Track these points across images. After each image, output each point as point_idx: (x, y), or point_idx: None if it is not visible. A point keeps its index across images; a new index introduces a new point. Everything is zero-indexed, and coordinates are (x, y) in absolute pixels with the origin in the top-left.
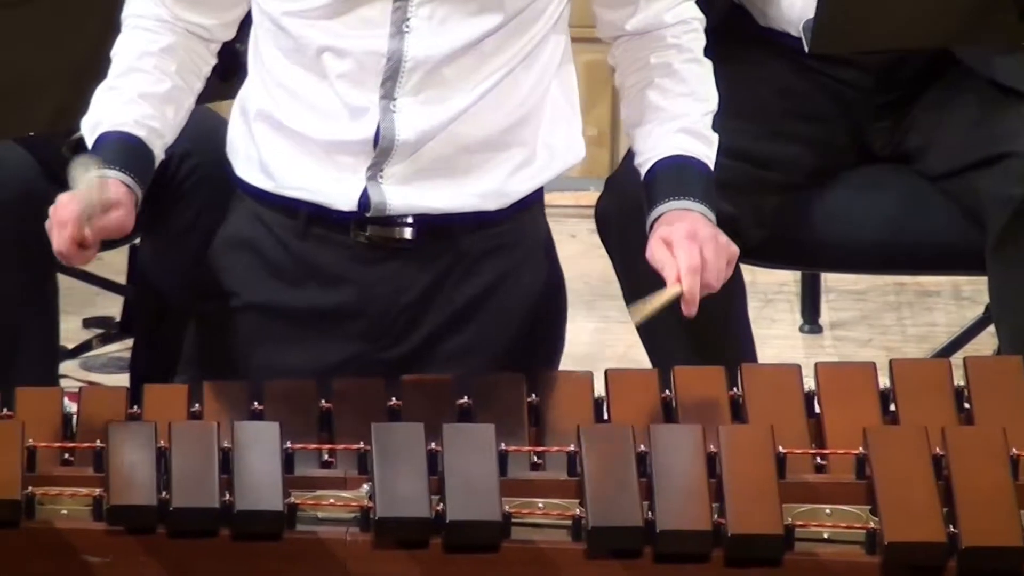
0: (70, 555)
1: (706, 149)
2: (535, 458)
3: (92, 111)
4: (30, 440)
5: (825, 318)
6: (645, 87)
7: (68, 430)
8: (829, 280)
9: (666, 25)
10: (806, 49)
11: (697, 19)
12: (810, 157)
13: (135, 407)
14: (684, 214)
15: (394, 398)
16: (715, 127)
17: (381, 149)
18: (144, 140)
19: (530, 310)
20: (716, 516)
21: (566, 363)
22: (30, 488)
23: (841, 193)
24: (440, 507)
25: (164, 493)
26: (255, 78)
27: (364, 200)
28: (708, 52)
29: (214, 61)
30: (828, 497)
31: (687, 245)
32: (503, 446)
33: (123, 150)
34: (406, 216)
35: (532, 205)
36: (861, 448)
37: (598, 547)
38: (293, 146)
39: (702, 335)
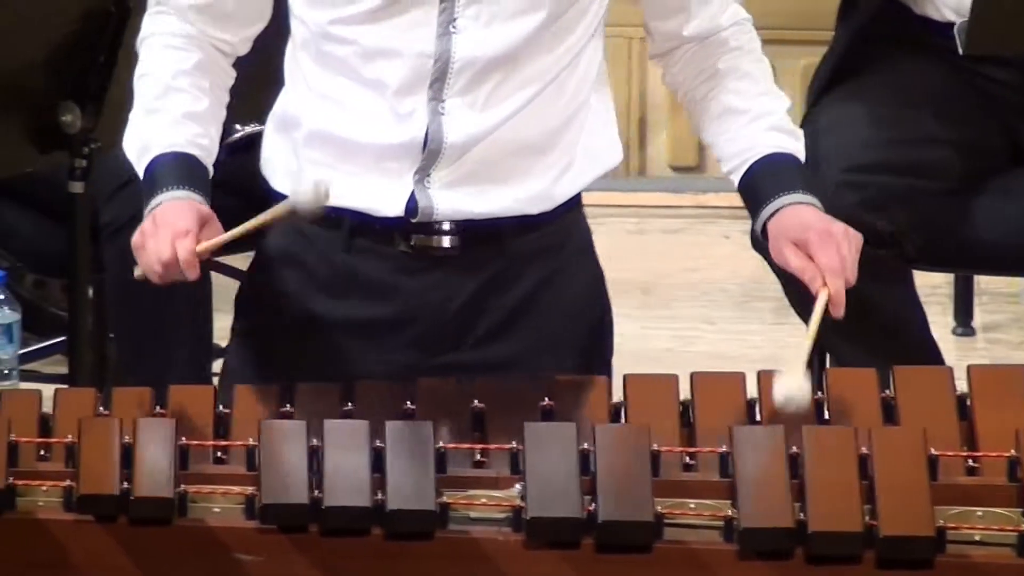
0: (222, 553)
1: (797, 144)
2: (687, 459)
3: (135, 135)
4: (183, 438)
5: (978, 320)
6: (719, 93)
7: (221, 428)
8: (982, 282)
9: (723, 28)
10: (960, 51)
11: (748, 19)
12: (963, 161)
13: (287, 405)
14: (800, 208)
15: (547, 398)
16: (868, 141)
17: (429, 152)
18: (200, 159)
19: (579, 307)
20: (868, 518)
21: (717, 363)
22: (183, 486)
23: (994, 195)
24: (592, 507)
25: (316, 491)
26: (294, 92)
27: (411, 205)
28: (854, 56)
29: (234, 76)
30: (980, 499)
31: (825, 247)
32: (655, 446)
33: (187, 171)
34: (451, 222)
35: (574, 207)
36: (1013, 451)
37: (750, 548)
38: (338, 155)
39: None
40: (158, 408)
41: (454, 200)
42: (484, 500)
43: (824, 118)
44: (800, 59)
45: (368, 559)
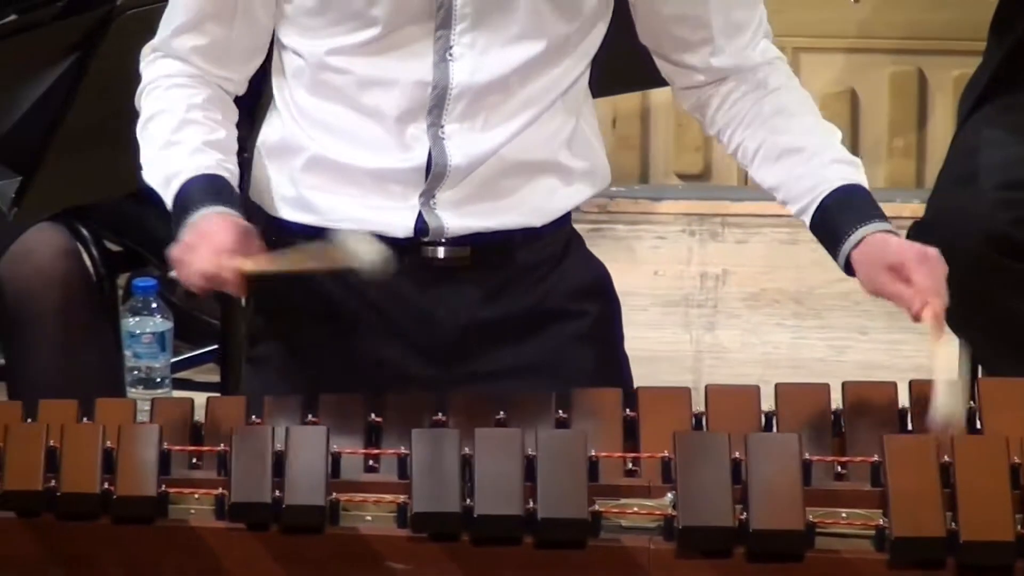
0: (374, 561)
1: (859, 172)
2: (839, 468)
3: (158, 167)
4: (335, 446)
5: None
6: (772, 136)
7: (372, 437)
8: None
9: (757, 64)
10: None
11: (781, 58)
12: None
13: (440, 414)
14: (886, 236)
15: (700, 406)
16: (1022, 159)
17: (433, 176)
18: (228, 181)
19: (586, 305)
20: (1020, 527)
21: (870, 373)
22: (335, 494)
23: None
24: (743, 516)
25: (468, 500)
26: (289, 120)
27: (420, 226)
28: (1008, 71)
29: (237, 114)
30: None
31: (923, 268)
32: (807, 455)
33: (220, 190)
34: (460, 237)
35: (570, 217)
36: None
37: (901, 557)
38: (340, 180)
39: None
40: (310, 416)
41: (462, 218)
42: (636, 509)
43: (978, 135)
44: (953, 70)
45: (519, 568)
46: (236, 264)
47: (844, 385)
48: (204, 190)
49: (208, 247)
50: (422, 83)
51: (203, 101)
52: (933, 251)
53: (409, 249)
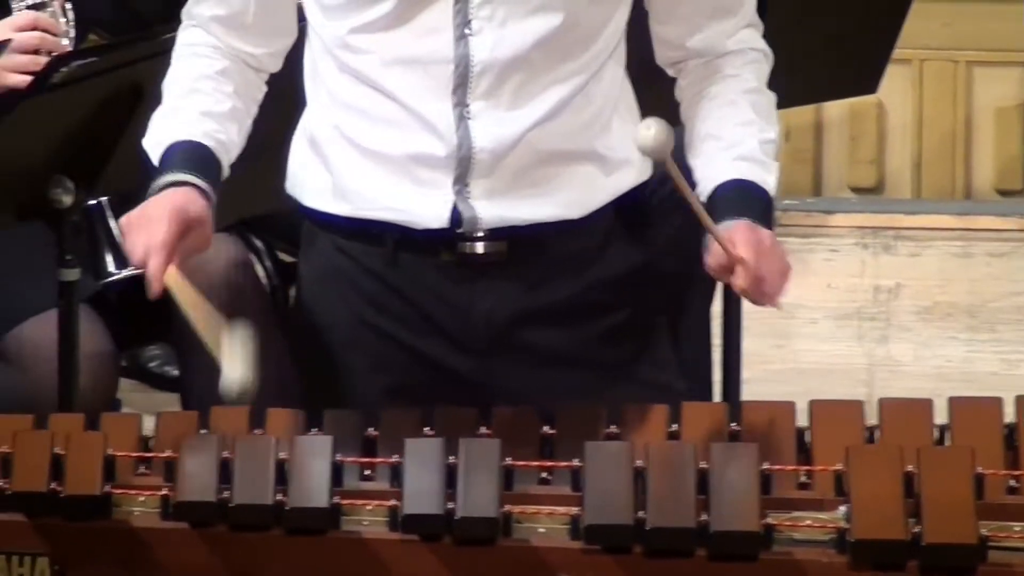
0: (546, 573)
1: (764, 174)
2: (1012, 481)
3: (154, 133)
4: (508, 459)
5: None
6: (704, 119)
7: (546, 448)
8: None
9: (727, 51)
10: None
11: (758, 50)
12: None
13: (612, 426)
14: (739, 223)
15: (873, 419)
16: None
17: (460, 159)
18: (213, 150)
19: (627, 297)
20: None
21: (987, 388)
22: (507, 506)
23: None
24: (916, 529)
25: (640, 512)
26: (319, 104)
27: (455, 216)
28: None
29: (264, 90)
30: None
31: (750, 243)
32: (980, 469)
33: (195, 157)
34: (496, 230)
35: (612, 210)
36: None
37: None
38: (372, 166)
39: None
40: (483, 428)
41: (497, 209)
42: (809, 522)
43: None
44: None
45: None
46: (161, 264)
47: (1017, 399)
48: (180, 155)
49: (142, 236)
50: (444, 61)
51: (216, 72)
52: (769, 242)
53: (446, 243)
